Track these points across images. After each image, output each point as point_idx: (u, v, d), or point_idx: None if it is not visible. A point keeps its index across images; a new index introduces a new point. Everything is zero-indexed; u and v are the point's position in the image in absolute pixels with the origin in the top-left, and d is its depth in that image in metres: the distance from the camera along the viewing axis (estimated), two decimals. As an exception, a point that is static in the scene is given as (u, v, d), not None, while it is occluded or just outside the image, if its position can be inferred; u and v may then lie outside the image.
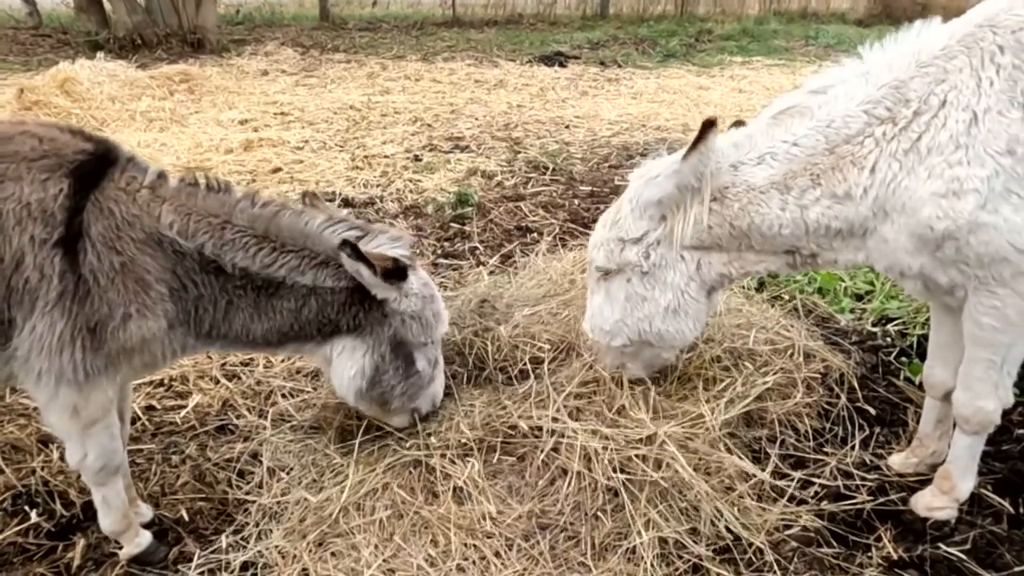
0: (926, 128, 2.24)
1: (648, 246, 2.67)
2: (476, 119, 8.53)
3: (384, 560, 2.41)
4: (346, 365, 2.60)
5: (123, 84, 8.86)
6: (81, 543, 2.57)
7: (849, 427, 3.11)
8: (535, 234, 5.18)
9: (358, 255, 2.36)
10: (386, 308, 2.58)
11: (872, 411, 3.21)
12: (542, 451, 2.74)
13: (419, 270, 2.70)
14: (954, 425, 2.61)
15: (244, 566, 2.46)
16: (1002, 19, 2.24)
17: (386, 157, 6.99)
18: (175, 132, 7.66)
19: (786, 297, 4.09)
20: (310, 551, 2.45)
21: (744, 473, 2.70)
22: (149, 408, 3.32)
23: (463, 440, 2.80)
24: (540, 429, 2.82)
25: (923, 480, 2.79)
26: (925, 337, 3.35)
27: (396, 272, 2.48)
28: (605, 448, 2.68)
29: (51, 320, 2.11)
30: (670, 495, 2.57)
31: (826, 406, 3.19)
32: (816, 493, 2.76)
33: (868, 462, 2.93)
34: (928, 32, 2.36)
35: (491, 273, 4.43)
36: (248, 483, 2.84)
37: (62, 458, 2.79)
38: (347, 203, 5.79)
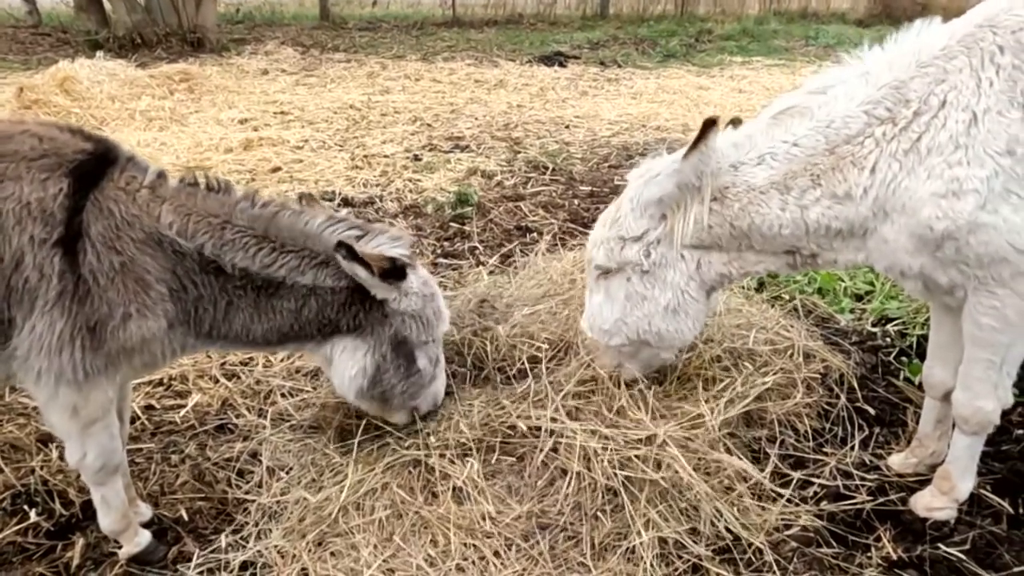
0: (926, 128, 2.24)
1: (649, 244, 2.67)
2: (476, 119, 8.53)
3: (384, 560, 2.41)
4: (347, 365, 2.59)
5: (123, 83, 8.86)
6: (80, 542, 2.57)
7: (849, 427, 3.11)
8: (535, 234, 5.18)
9: (353, 256, 2.35)
10: (387, 307, 2.57)
11: (872, 411, 3.21)
12: (541, 451, 2.74)
13: (419, 269, 2.69)
14: (953, 425, 2.61)
15: (243, 566, 2.46)
16: (1002, 19, 2.24)
17: (386, 157, 6.99)
18: (175, 131, 7.66)
19: (786, 297, 4.09)
20: (309, 551, 2.45)
21: (744, 473, 2.70)
22: (148, 407, 3.32)
23: (462, 440, 2.80)
24: (539, 429, 2.81)
25: (923, 480, 2.79)
26: (925, 337, 3.36)
27: (394, 272, 2.47)
28: (605, 448, 2.68)
29: (51, 320, 2.11)
30: (670, 495, 2.57)
31: (826, 406, 3.19)
32: (816, 493, 2.76)
33: (868, 462, 2.94)
34: (928, 32, 2.36)
35: (491, 273, 4.43)
36: (247, 482, 2.84)
37: (61, 457, 2.79)
38: (347, 202, 5.79)
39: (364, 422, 2.90)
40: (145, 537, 2.53)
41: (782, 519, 2.59)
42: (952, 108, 2.21)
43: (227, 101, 9.08)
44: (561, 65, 12.04)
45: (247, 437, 3.09)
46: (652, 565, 2.38)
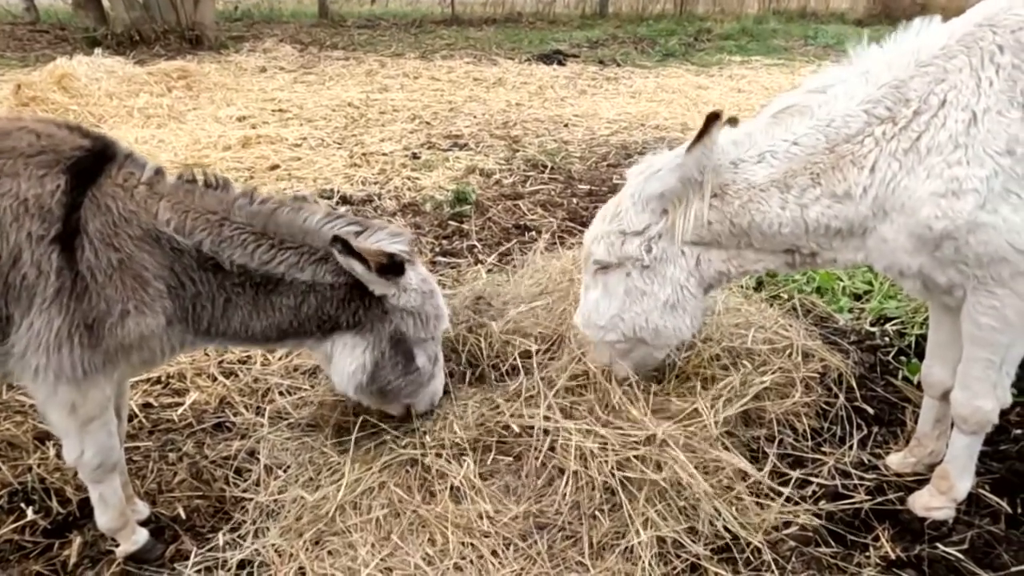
0: (926, 128, 2.24)
1: (650, 239, 2.65)
2: (475, 117, 8.53)
3: (381, 559, 2.41)
4: (346, 361, 2.59)
5: (121, 80, 8.84)
6: (77, 540, 2.57)
7: (847, 426, 3.11)
8: (533, 232, 5.18)
9: (350, 251, 2.34)
10: (386, 304, 2.56)
11: (870, 411, 3.21)
12: (539, 450, 2.73)
13: (418, 266, 2.69)
14: (952, 425, 2.61)
15: (241, 564, 2.45)
16: (1002, 19, 2.23)
17: (384, 155, 6.98)
18: (173, 129, 7.65)
19: (784, 296, 4.09)
20: (307, 549, 2.45)
21: (742, 472, 2.70)
22: (146, 405, 3.31)
23: (457, 440, 2.79)
24: (534, 429, 2.80)
25: (921, 480, 2.79)
26: (923, 337, 3.36)
27: (392, 267, 2.46)
28: (603, 449, 2.67)
29: (49, 317, 2.11)
30: (668, 494, 2.57)
31: (824, 405, 3.19)
32: (814, 492, 2.76)
33: (866, 462, 2.94)
34: (928, 31, 2.36)
35: (489, 271, 4.43)
36: (245, 481, 2.83)
37: (59, 455, 2.78)
38: (345, 200, 5.78)
39: (361, 420, 2.90)
40: (142, 535, 2.53)
41: (780, 518, 2.59)
42: (952, 107, 2.21)
43: (225, 99, 9.07)
44: (560, 64, 12.04)
45: (245, 435, 3.08)
46: (650, 564, 2.38)
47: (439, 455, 2.74)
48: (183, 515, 2.69)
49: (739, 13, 18.65)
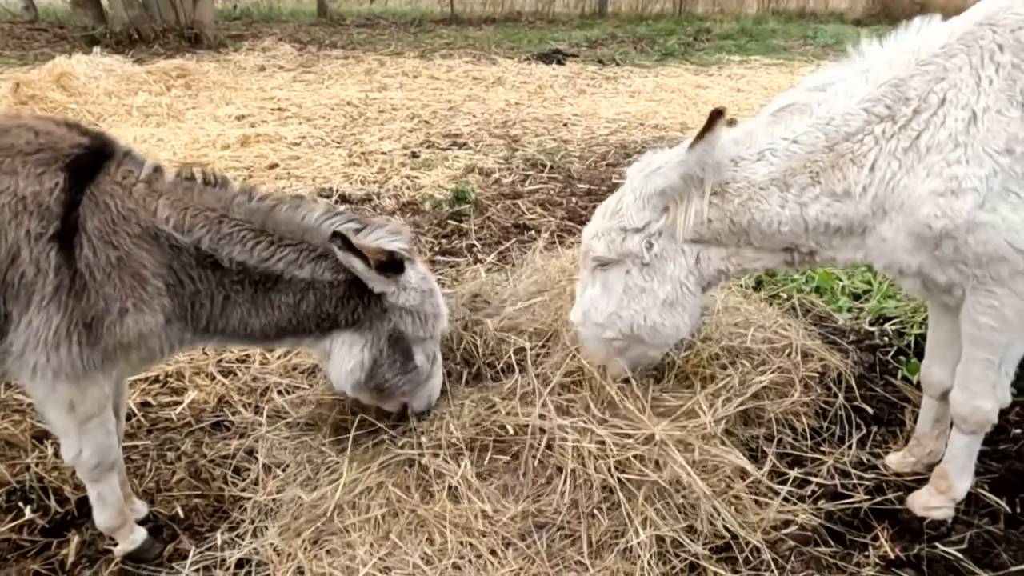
0: (925, 126, 2.24)
1: (650, 236, 2.64)
2: (474, 116, 8.52)
3: (380, 558, 2.40)
4: (344, 359, 2.58)
5: (119, 79, 8.83)
6: (76, 540, 2.56)
7: (846, 426, 3.11)
8: (533, 232, 5.17)
9: (350, 247, 2.34)
10: (385, 302, 2.56)
11: (869, 410, 3.21)
12: (536, 449, 2.72)
13: (418, 264, 2.68)
14: (951, 424, 2.61)
15: (239, 563, 2.45)
16: (1002, 17, 2.23)
17: (383, 154, 6.97)
18: (171, 127, 7.64)
19: (784, 296, 4.09)
20: (305, 549, 2.44)
21: (741, 471, 2.70)
22: (145, 404, 3.31)
23: (453, 440, 2.77)
24: (531, 428, 2.78)
25: (920, 479, 2.79)
26: (923, 336, 3.36)
27: (391, 265, 2.44)
28: (601, 448, 2.66)
29: (47, 315, 2.10)
30: (667, 493, 2.56)
31: (823, 405, 3.19)
32: (813, 492, 2.76)
33: (865, 461, 2.93)
34: (928, 30, 2.36)
35: (488, 271, 4.42)
36: (244, 480, 2.83)
37: (57, 454, 2.77)
38: (344, 199, 5.78)
39: (359, 419, 2.90)
40: (141, 534, 2.52)
41: (780, 518, 2.58)
42: (951, 106, 2.21)
43: (224, 97, 9.06)
44: (559, 63, 12.04)
45: (243, 434, 3.08)
46: (649, 564, 2.37)
47: (436, 455, 2.73)
48: (181, 514, 2.69)
49: (738, 13, 18.65)
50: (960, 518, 2.64)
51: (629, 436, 2.70)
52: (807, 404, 3.13)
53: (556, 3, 19.08)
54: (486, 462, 2.74)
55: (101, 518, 2.46)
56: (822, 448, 2.99)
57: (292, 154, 6.84)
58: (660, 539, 2.46)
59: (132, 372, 2.71)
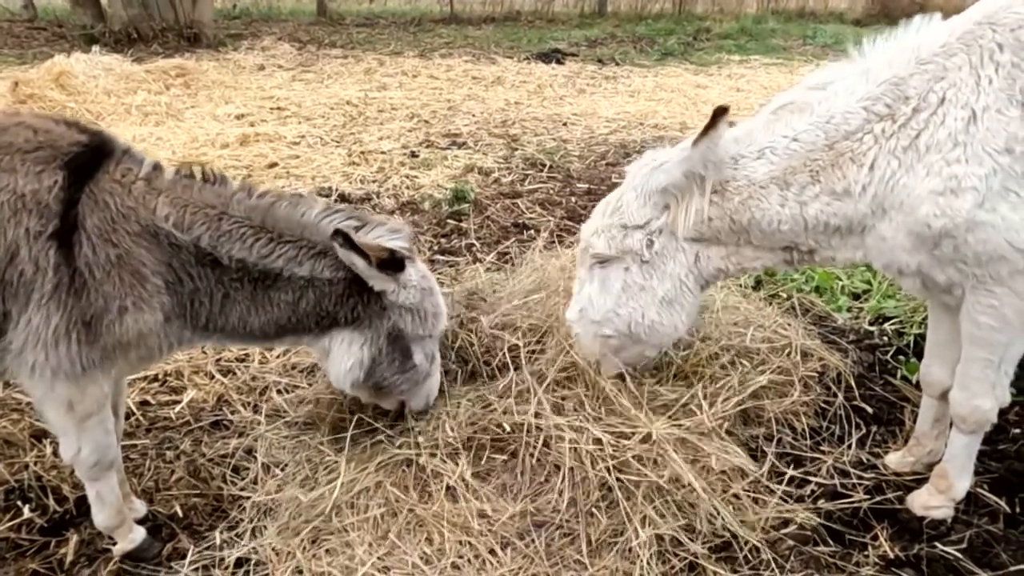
0: (925, 125, 2.24)
1: (651, 234, 2.64)
2: (473, 116, 8.52)
3: (379, 558, 2.40)
4: (343, 357, 2.57)
5: (119, 78, 8.82)
6: (74, 539, 2.56)
7: (846, 426, 3.10)
8: (532, 231, 5.17)
9: (351, 245, 2.33)
10: (384, 300, 2.55)
11: (869, 410, 3.21)
12: (534, 447, 2.72)
13: (418, 262, 2.67)
14: (951, 424, 2.61)
15: (238, 563, 2.44)
16: (1001, 17, 2.23)
17: (383, 153, 6.97)
18: (171, 127, 7.63)
19: (783, 295, 4.09)
20: (304, 548, 2.44)
21: (741, 471, 2.70)
22: (143, 403, 3.30)
23: (450, 440, 2.77)
24: (527, 427, 2.78)
25: (920, 479, 2.79)
26: (922, 336, 3.36)
27: (392, 263, 2.44)
28: (601, 449, 2.66)
29: (46, 313, 2.10)
30: (666, 492, 2.56)
31: (823, 404, 3.19)
32: (813, 491, 2.75)
33: (865, 461, 2.93)
34: (928, 29, 2.36)
35: (488, 270, 4.42)
36: (243, 479, 2.83)
37: (55, 453, 2.77)
38: (343, 199, 5.77)
39: (356, 418, 2.89)
40: (139, 533, 2.52)
41: (779, 517, 2.59)
42: (951, 105, 2.21)
43: (223, 96, 9.05)
44: (559, 62, 12.04)
45: (242, 433, 3.07)
46: (648, 563, 2.37)
47: (433, 455, 2.72)
48: (180, 513, 2.69)
49: (738, 12, 18.66)
50: (959, 518, 2.63)
51: (627, 437, 2.70)
52: (806, 404, 3.13)
53: (556, 2, 19.09)
54: (483, 461, 2.73)
55: (100, 517, 2.45)
56: (821, 448, 2.99)
57: (291, 153, 6.84)
58: (659, 538, 2.45)
59: (131, 371, 2.70)
